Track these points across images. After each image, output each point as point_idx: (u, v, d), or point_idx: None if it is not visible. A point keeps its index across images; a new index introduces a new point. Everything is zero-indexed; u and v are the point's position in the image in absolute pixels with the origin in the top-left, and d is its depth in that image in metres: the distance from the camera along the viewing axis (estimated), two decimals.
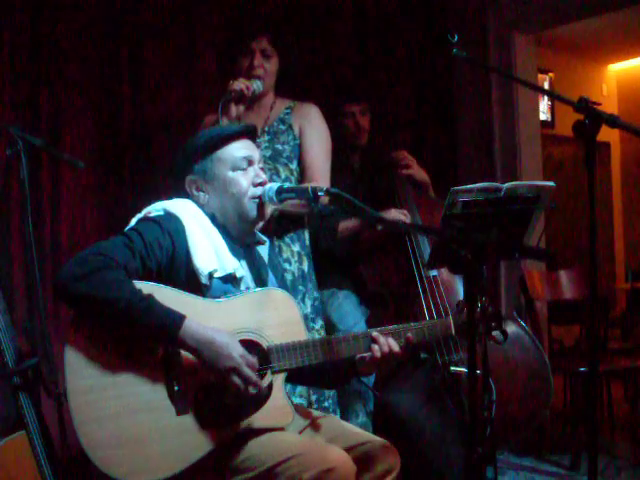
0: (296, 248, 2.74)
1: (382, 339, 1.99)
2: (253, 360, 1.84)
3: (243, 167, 2.08)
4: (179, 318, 1.79)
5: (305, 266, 2.76)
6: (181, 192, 2.12)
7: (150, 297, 1.79)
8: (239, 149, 2.10)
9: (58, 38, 3.18)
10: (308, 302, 2.72)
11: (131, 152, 3.39)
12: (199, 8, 3.61)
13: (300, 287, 2.71)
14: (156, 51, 3.47)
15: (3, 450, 2.08)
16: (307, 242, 2.81)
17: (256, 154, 2.13)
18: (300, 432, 2.05)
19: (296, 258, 2.73)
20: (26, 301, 2.40)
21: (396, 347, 2.00)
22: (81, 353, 1.77)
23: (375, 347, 1.99)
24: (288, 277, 2.65)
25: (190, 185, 2.10)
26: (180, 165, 2.13)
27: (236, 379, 1.81)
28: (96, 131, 3.30)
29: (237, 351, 1.81)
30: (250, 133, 2.18)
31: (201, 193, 2.09)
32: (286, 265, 2.69)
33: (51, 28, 3.16)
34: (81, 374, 1.76)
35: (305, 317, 2.64)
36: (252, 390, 1.83)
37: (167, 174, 2.21)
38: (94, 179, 3.27)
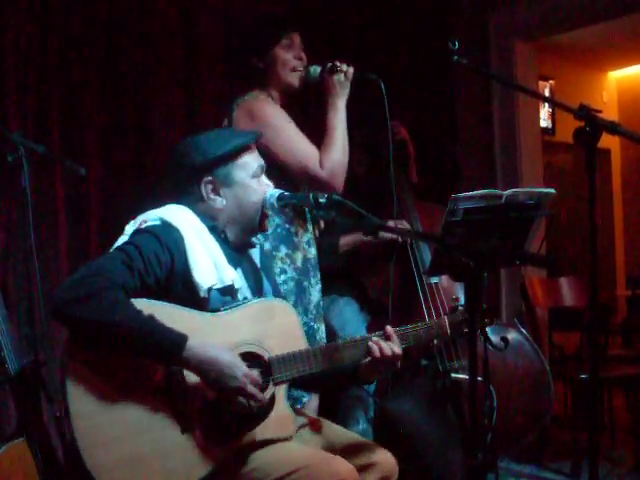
0: (282, 252, 2.62)
1: (382, 342, 1.97)
2: (257, 378, 1.84)
3: (259, 175, 2.09)
4: (181, 339, 1.76)
5: (299, 262, 2.64)
6: (179, 196, 2.07)
7: (151, 319, 1.75)
8: (255, 158, 2.09)
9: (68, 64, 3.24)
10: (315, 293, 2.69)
11: (135, 161, 3.40)
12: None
13: (305, 283, 2.64)
14: (161, 66, 3.51)
15: (4, 457, 2.07)
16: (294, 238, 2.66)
17: (264, 164, 2.13)
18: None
19: (288, 262, 2.62)
20: (26, 308, 2.39)
21: (398, 349, 1.98)
22: (82, 376, 1.74)
23: (374, 348, 1.96)
24: (291, 284, 2.59)
25: (206, 186, 2.03)
26: (194, 168, 2.04)
27: (241, 398, 1.81)
28: (101, 140, 3.31)
29: (241, 370, 1.80)
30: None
31: (218, 197, 2.04)
32: (282, 276, 2.58)
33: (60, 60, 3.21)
34: (83, 398, 1.73)
35: (317, 305, 2.65)
36: (256, 406, 1.83)
37: (167, 177, 2.16)
38: (97, 187, 3.28)
